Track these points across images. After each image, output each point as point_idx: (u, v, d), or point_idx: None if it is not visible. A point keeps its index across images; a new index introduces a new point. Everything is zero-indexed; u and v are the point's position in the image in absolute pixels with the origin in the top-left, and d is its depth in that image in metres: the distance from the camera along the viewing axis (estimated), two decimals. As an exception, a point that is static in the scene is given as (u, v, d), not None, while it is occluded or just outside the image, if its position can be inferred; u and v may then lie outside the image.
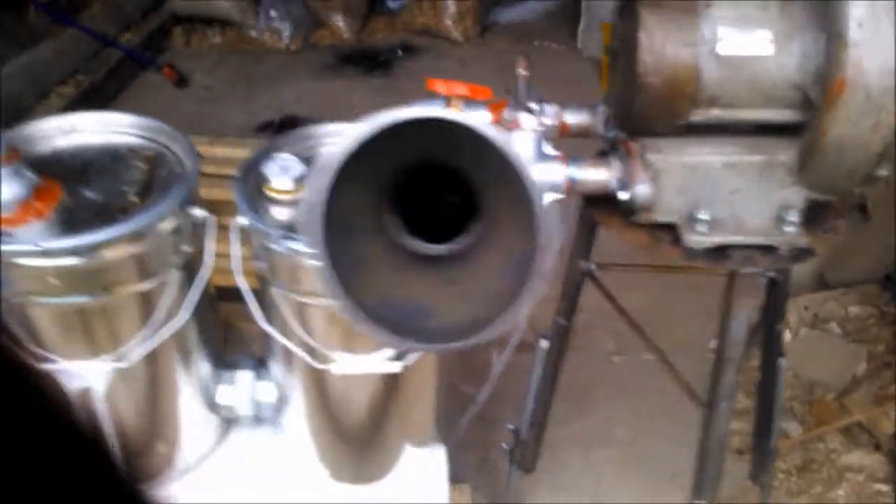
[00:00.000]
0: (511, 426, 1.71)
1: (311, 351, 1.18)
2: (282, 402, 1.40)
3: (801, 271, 2.43)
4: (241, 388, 1.38)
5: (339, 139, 1.16)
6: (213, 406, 1.38)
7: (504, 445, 1.74)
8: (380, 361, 1.19)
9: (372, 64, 4.44)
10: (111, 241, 1.07)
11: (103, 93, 3.72)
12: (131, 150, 1.21)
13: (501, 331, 0.69)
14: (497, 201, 0.72)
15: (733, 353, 1.09)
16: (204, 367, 1.35)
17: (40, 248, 1.05)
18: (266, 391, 1.39)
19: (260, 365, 1.40)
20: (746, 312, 1.06)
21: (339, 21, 4.68)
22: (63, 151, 1.20)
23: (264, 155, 1.18)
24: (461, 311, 0.73)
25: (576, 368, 1.67)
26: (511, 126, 0.95)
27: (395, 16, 4.80)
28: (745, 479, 1.84)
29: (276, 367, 1.37)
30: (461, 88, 0.91)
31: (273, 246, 1.12)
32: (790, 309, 2.32)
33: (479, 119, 0.71)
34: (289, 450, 1.44)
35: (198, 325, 1.25)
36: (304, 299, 1.14)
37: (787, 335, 2.29)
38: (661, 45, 0.88)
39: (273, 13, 4.61)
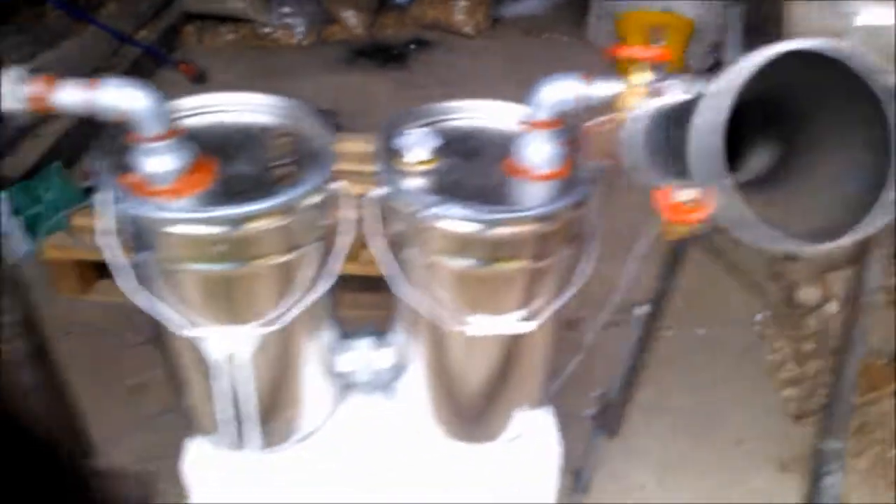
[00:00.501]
0: (596, 392, 1.78)
1: (442, 313, 1.23)
2: (398, 368, 1.45)
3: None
4: (360, 356, 1.43)
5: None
6: (333, 373, 1.43)
7: (587, 411, 1.81)
8: (512, 322, 1.24)
9: (385, 57, 4.49)
10: (264, 213, 1.11)
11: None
12: (270, 128, 1.26)
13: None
14: (826, 123, 0.79)
15: (868, 301, 1.15)
16: (327, 335, 1.39)
17: (202, 216, 1.10)
18: (383, 358, 1.44)
19: (377, 334, 1.45)
20: (881, 262, 1.12)
21: (351, 17, 4.72)
22: (203, 129, 1.24)
23: (392, 132, 1.23)
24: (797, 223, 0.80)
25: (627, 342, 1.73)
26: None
27: (405, 11, 4.85)
28: (808, 443, 1.92)
29: (396, 334, 1.42)
30: (646, 52, 0.97)
31: (413, 211, 1.16)
32: (836, 279, 2.40)
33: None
34: (403, 413, 1.49)
35: (326, 296, 1.29)
36: (436, 259, 1.18)
37: (833, 305, 2.38)
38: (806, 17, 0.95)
39: (285, 9, 4.64)
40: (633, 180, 1.01)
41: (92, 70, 3.75)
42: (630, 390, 1.72)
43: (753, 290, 2.63)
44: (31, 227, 2.73)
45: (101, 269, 2.50)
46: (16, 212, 2.72)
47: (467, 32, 4.70)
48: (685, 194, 0.94)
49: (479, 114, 1.33)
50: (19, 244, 2.72)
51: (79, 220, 2.52)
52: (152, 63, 4.12)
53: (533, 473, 1.50)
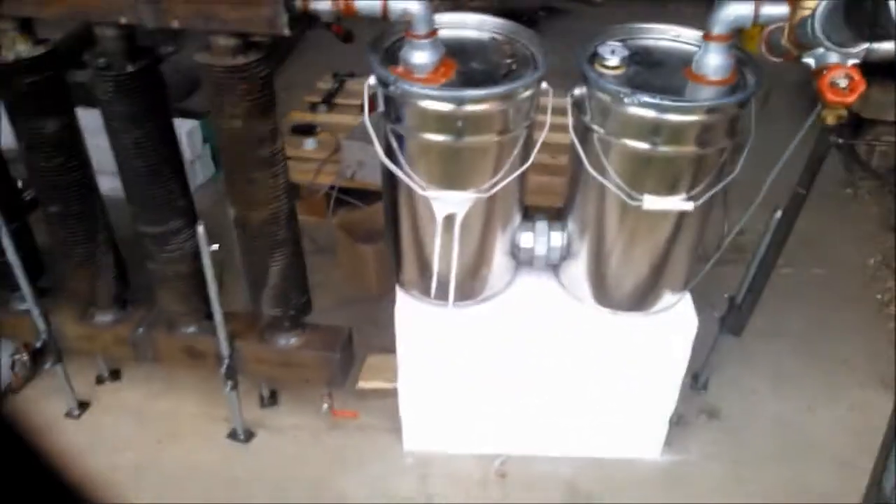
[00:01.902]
0: (727, 295, 2.05)
1: (621, 192, 1.54)
2: (567, 248, 1.77)
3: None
4: (539, 234, 1.76)
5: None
6: (515, 246, 1.77)
7: (715, 313, 2.08)
8: (677, 201, 1.54)
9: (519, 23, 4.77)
10: (491, 97, 1.45)
11: (278, 51, 4.11)
12: (496, 40, 1.60)
13: None
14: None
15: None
16: (515, 214, 1.73)
17: (447, 95, 1.44)
18: (557, 238, 1.76)
19: (551, 218, 1.78)
20: None
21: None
22: (447, 39, 1.57)
23: (597, 41, 1.55)
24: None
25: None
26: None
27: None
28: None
29: (567, 219, 1.74)
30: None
31: (608, 101, 1.47)
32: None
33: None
34: (568, 286, 1.81)
35: (518, 179, 1.62)
36: (628, 142, 1.49)
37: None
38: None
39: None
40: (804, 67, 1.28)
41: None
42: (758, 294, 1.98)
43: (867, 238, 2.82)
44: (216, 156, 3.18)
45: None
46: (204, 140, 3.18)
47: (593, 0, 4.93)
48: (843, 79, 1.22)
49: (659, 34, 1.62)
50: (207, 167, 3.20)
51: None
52: (304, 25, 4.52)
53: (672, 345, 1.81)
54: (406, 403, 1.97)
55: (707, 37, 1.46)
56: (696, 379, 2.23)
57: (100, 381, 2.32)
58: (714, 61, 1.47)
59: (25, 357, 2.25)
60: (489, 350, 1.83)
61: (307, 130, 3.23)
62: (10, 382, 2.26)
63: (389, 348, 1.92)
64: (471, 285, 1.76)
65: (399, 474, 2.05)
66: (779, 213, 1.79)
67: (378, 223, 2.15)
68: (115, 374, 2.34)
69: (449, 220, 1.59)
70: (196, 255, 1.82)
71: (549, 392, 1.91)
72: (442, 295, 1.75)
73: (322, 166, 2.99)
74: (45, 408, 2.24)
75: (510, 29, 1.62)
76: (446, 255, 1.66)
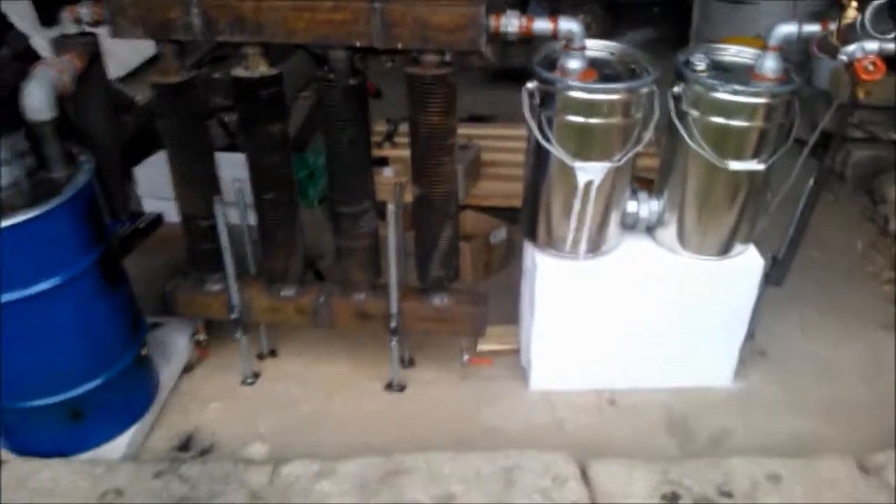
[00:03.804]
0: (770, 254, 2.65)
1: (712, 157, 2.15)
2: (662, 213, 2.37)
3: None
4: (642, 202, 2.36)
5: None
6: (625, 211, 2.35)
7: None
8: (752, 163, 2.16)
9: (518, 79, 5.50)
10: (621, 90, 2.07)
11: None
12: (615, 56, 2.22)
13: None
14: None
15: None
16: (627, 187, 2.32)
17: (592, 87, 2.05)
18: (655, 205, 2.36)
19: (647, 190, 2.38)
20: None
21: (488, 48, 5.77)
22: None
23: (691, 52, 2.19)
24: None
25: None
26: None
27: (528, 44, 5.89)
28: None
29: (662, 189, 2.34)
30: None
31: (702, 89, 2.10)
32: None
33: None
34: (664, 241, 2.40)
35: (630, 160, 2.22)
36: (715, 119, 2.11)
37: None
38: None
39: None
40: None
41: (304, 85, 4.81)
42: (795, 249, 2.59)
43: (851, 229, 3.51)
44: (303, 188, 3.71)
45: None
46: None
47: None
48: (871, 65, 1.87)
49: (733, 52, 2.27)
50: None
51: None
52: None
53: (745, 281, 2.40)
54: (538, 345, 2.50)
55: (766, 47, 2.11)
56: (748, 330, 2.81)
57: (261, 357, 2.77)
58: (771, 64, 2.11)
59: (202, 336, 2.70)
60: (607, 294, 2.39)
61: (380, 162, 3.80)
62: (190, 359, 2.70)
63: (492, 322, 2.48)
64: (595, 241, 2.33)
65: (531, 406, 2.55)
66: (811, 182, 2.42)
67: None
68: (273, 353, 2.80)
69: (587, 186, 2.17)
70: (374, 232, 2.36)
71: (649, 330, 2.47)
72: (574, 250, 2.32)
73: (402, 188, 3.55)
74: (222, 378, 2.68)
75: (624, 50, 2.25)
76: (582, 215, 2.23)
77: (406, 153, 3.85)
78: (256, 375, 2.69)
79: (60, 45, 2.19)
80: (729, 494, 2.04)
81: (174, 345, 2.67)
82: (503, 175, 3.69)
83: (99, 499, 2.09)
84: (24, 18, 3.46)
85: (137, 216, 3.09)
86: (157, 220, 3.60)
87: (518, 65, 5.72)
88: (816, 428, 2.45)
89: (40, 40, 3.49)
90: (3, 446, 2.30)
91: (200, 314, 2.61)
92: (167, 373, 2.59)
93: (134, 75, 3.81)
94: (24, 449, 2.26)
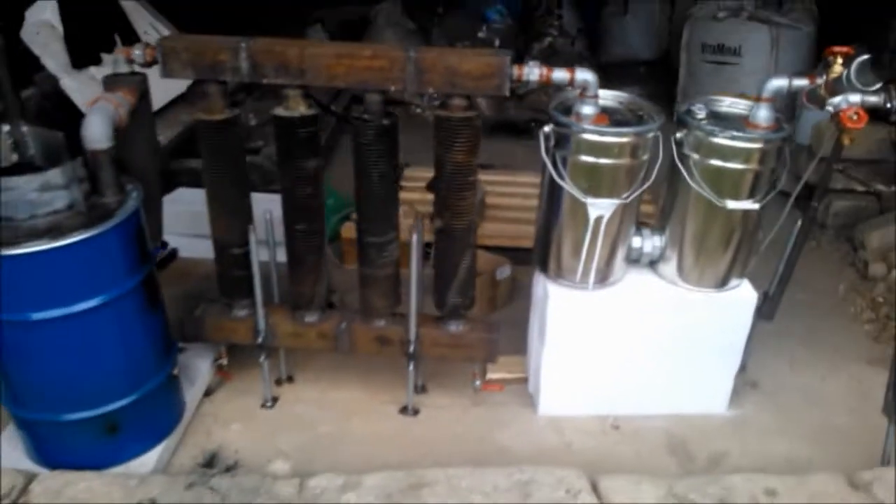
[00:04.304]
0: (762, 291, 2.85)
1: (711, 196, 2.36)
2: (664, 248, 2.57)
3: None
4: (646, 238, 2.56)
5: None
6: (630, 246, 2.55)
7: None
8: (748, 203, 2.37)
9: (515, 131, 5.80)
10: (630, 134, 2.28)
11: (328, 153, 4.94)
12: (623, 104, 2.45)
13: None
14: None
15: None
16: (633, 223, 2.52)
17: (604, 131, 2.26)
18: (658, 240, 2.56)
19: (650, 228, 2.58)
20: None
21: (482, 101, 6.06)
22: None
23: (691, 103, 2.42)
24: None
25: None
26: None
27: (523, 97, 6.20)
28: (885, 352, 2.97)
29: (664, 227, 2.55)
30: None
31: (702, 134, 2.32)
32: None
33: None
34: (665, 275, 2.59)
35: (636, 200, 2.43)
36: (714, 162, 2.33)
37: None
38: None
39: (434, 95, 5.99)
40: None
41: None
42: (785, 285, 2.79)
43: (833, 274, 3.74)
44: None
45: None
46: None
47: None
48: (854, 115, 2.11)
49: (728, 104, 2.51)
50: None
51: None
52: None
53: (739, 312, 2.59)
54: (547, 371, 2.66)
55: (758, 99, 2.35)
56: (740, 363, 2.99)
57: (279, 382, 2.90)
58: (764, 113, 2.34)
59: (224, 360, 2.83)
60: (613, 322, 2.57)
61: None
62: (211, 383, 2.82)
63: (500, 352, 2.65)
64: (603, 272, 2.52)
65: (540, 430, 2.69)
66: (799, 223, 2.64)
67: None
68: (290, 379, 2.92)
69: (598, 221, 2.37)
70: (397, 262, 2.53)
71: (651, 358, 2.64)
72: (583, 280, 2.50)
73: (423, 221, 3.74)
74: (242, 402, 2.81)
75: (631, 99, 2.48)
76: (592, 248, 2.42)
77: (413, 195, 4.11)
78: (275, 399, 2.81)
79: (111, 82, 2.37)
80: (730, 507, 2.19)
81: (197, 369, 2.79)
82: (506, 217, 3.89)
83: (134, 508, 2.19)
84: (56, 60, 3.65)
85: (164, 245, 3.23)
86: (173, 253, 3.74)
87: (514, 118, 6.02)
88: (807, 451, 2.62)
89: (70, 82, 3.69)
90: (33, 461, 2.40)
91: (227, 338, 2.74)
92: (190, 395, 2.71)
93: (157, 114, 3.99)
94: (56, 462, 2.36)
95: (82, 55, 3.60)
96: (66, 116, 3.52)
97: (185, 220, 3.26)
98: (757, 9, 5.35)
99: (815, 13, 5.33)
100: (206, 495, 2.23)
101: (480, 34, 6.63)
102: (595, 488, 2.25)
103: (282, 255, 2.61)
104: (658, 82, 6.63)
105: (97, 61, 3.69)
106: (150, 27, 4.01)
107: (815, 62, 2.98)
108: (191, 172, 4.10)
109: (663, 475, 2.36)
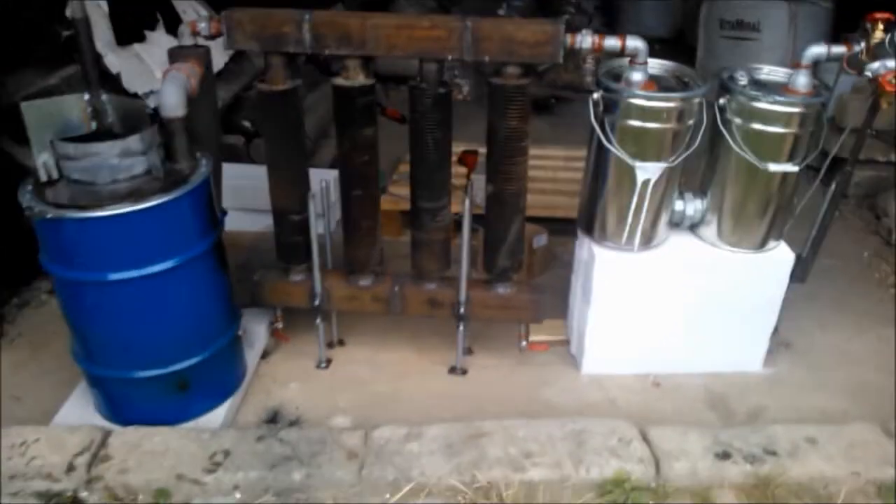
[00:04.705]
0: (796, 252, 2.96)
1: (754, 159, 2.47)
2: (705, 211, 2.67)
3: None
4: (689, 202, 2.66)
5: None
6: (671, 212, 2.66)
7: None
8: (788, 165, 2.48)
9: (536, 107, 5.88)
10: (678, 99, 2.38)
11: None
12: (670, 73, 2.54)
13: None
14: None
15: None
16: (676, 187, 2.63)
17: (652, 97, 2.36)
18: (699, 203, 2.67)
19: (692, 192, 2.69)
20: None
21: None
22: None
23: (729, 72, 2.51)
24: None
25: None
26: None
27: (542, 74, 6.28)
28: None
29: (709, 188, 2.65)
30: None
31: (744, 100, 2.42)
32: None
33: None
34: (708, 237, 2.70)
35: (681, 163, 2.53)
36: (756, 126, 2.43)
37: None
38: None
39: (456, 72, 6.07)
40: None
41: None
42: (818, 248, 2.89)
43: (857, 241, 3.85)
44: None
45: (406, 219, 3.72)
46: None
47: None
48: (893, 77, 2.21)
49: (766, 71, 2.60)
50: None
51: (394, 188, 3.79)
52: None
53: (777, 272, 2.70)
54: (592, 331, 2.77)
55: (797, 65, 2.45)
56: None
57: (331, 345, 3.02)
58: (803, 80, 2.44)
59: (280, 324, 2.95)
60: (655, 284, 2.68)
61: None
62: (267, 345, 2.94)
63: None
64: (648, 235, 2.62)
65: (584, 387, 2.82)
66: (833, 186, 2.75)
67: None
68: (341, 342, 3.04)
69: (645, 184, 2.48)
70: (448, 226, 2.64)
71: (690, 318, 2.75)
72: (629, 243, 2.61)
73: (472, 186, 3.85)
74: (297, 363, 2.93)
75: (676, 67, 2.58)
76: (639, 210, 2.53)
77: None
78: (329, 361, 2.93)
79: (176, 55, 2.47)
80: (774, 453, 2.32)
81: (254, 332, 2.92)
82: (540, 189, 3.99)
83: (209, 459, 2.32)
84: (100, 38, 3.73)
85: (225, 213, 3.33)
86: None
87: (534, 95, 6.10)
88: (841, 404, 2.74)
89: (113, 59, 3.77)
90: (104, 417, 2.52)
91: (284, 302, 2.86)
92: (250, 357, 2.83)
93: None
94: (128, 419, 2.48)
95: (126, 32, 3.69)
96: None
97: (225, 194, 3.36)
98: (775, -15, 5.42)
99: (833, -12, 5.41)
100: (276, 446, 2.36)
101: (500, 11, 6.68)
102: (645, 437, 2.37)
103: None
104: (673, 60, 6.70)
105: (141, 38, 3.78)
106: (189, 7, 4.09)
107: (834, 37, 3.08)
108: (229, 148, 4.21)
109: (708, 426, 2.49)
